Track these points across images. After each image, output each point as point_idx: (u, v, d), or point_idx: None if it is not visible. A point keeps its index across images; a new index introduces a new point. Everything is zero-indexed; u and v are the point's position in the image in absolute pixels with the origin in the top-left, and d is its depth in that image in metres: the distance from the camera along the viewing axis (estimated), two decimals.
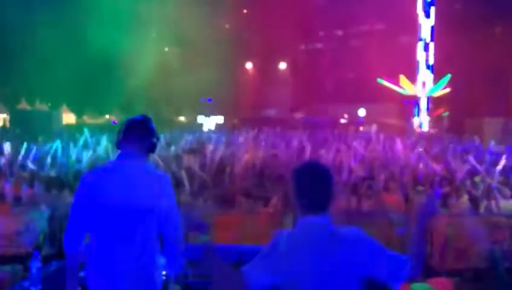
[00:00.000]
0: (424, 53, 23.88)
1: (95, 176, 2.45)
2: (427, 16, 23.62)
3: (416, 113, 24.06)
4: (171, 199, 2.44)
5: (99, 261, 2.37)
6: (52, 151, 7.89)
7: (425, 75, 23.88)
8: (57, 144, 8.17)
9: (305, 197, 2.04)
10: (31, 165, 7.05)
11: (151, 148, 2.52)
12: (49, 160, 7.38)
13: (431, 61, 23.80)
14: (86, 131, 10.48)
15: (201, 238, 2.45)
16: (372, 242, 2.06)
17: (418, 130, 22.40)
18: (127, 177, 2.38)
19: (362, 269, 2.00)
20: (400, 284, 2.04)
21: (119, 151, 2.51)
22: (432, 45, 23.77)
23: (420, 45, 23.98)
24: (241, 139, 11.24)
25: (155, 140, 2.53)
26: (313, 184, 2.04)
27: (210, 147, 9.00)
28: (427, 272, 5.31)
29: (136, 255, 2.34)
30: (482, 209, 6.12)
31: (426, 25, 23.78)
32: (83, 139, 9.49)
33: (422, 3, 23.75)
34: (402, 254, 2.08)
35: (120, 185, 2.36)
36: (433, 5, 23.58)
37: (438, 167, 7.18)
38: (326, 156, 7.82)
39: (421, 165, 7.34)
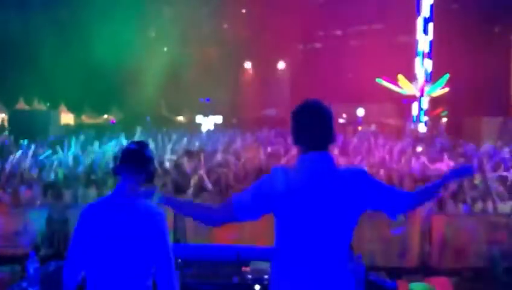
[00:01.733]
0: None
1: (92, 213, 2.44)
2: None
3: (414, 117, 24.06)
4: (165, 240, 2.40)
5: None
6: (44, 157, 7.87)
7: (423, 74, 23.90)
8: (48, 153, 8.14)
9: (305, 134, 2.04)
10: (28, 167, 7.04)
11: (149, 178, 2.53)
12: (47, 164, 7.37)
13: (430, 54, 23.78)
14: (86, 135, 10.50)
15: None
16: (373, 178, 2.08)
17: (416, 130, 22.42)
18: (121, 218, 2.36)
19: (362, 202, 2.01)
20: (398, 214, 2.07)
21: (117, 182, 2.51)
22: (430, 38, 23.72)
23: (419, 44, 24.00)
24: (240, 139, 11.23)
25: (152, 169, 2.54)
26: (313, 121, 2.04)
27: (209, 148, 9.00)
28: (426, 271, 5.32)
29: None
30: (479, 211, 6.13)
31: (425, 24, 23.80)
32: (78, 143, 9.44)
33: (421, 2, 23.74)
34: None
35: (114, 227, 2.35)
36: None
37: (435, 168, 7.18)
38: None
39: (418, 167, 7.33)
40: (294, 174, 2.05)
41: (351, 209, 2.01)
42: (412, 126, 23.14)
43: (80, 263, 2.41)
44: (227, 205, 2.10)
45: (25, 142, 8.35)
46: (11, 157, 7.06)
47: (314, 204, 1.97)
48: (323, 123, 2.05)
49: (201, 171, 6.48)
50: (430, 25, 23.84)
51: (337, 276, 1.97)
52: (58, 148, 8.32)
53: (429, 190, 2.11)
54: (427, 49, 23.99)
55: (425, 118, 24.00)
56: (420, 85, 23.87)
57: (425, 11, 23.86)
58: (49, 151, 8.33)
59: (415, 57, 24.20)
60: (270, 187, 2.04)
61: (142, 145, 2.56)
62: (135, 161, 2.48)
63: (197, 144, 10.80)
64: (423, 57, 23.93)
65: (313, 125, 2.04)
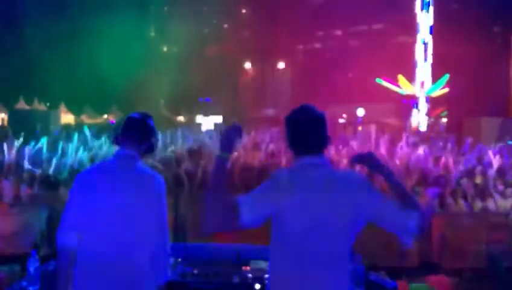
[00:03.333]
0: (423, 53, 23.89)
1: (88, 176, 2.44)
2: (425, 32, 23.66)
3: (414, 117, 24.08)
4: (162, 202, 2.39)
5: (87, 261, 2.36)
6: (38, 148, 7.84)
7: (423, 74, 23.90)
8: (43, 141, 8.10)
9: (300, 139, 2.05)
10: (27, 164, 7.03)
11: (150, 149, 2.50)
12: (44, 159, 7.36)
13: (429, 60, 23.81)
14: (86, 129, 10.47)
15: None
16: (370, 187, 2.05)
17: (416, 130, 22.43)
18: (119, 179, 2.36)
19: (361, 210, 1.99)
20: (412, 238, 2.02)
21: (116, 149, 2.49)
22: (430, 38, 23.75)
23: (419, 44, 24.00)
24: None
25: (154, 141, 2.50)
26: (307, 125, 2.05)
27: (209, 147, 8.99)
28: (426, 271, 5.32)
29: (125, 259, 2.31)
30: (478, 209, 6.13)
31: (425, 24, 23.79)
32: (77, 138, 9.44)
33: (421, 2, 23.76)
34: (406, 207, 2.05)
35: (111, 188, 2.34)
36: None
37: (435, 167, 7.19)
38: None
39: (419, 166, 7.33)
40: (293, 177, 2.04)
41: (350, 214, 1.99)
42: (412, 126, 23.16)
43: (75, 225, 2.37)
44: (233, 206, 2.08)
45: (22, 139, 8.30)
46: (12, 151, 7.06)
47: (313, 207, 1.96)
48: (317, 128, 2.06)
49: (201, 170, 6.48)
50: (430, 25, 23.85)
51: (334, 281, 1.96)
52: (59, 146, 8.32)
53: (402, 194, 2.07)
54: (427, 50, 24.00)
55: (425, 118, 24.02)
56: (420, 85, 23.88)
57: (425, 12, 23.88)
58: (44, 139, 8.30)
59: (415, 57, 24.21)
60: (272, 190, 2.03)
61: (145, 115, 2.50)
62: (137, 130, 2.43)
63: (197, 143, 10.80)
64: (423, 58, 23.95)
65: (307, 130, 2.05)
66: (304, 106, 2.17)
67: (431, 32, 23.85)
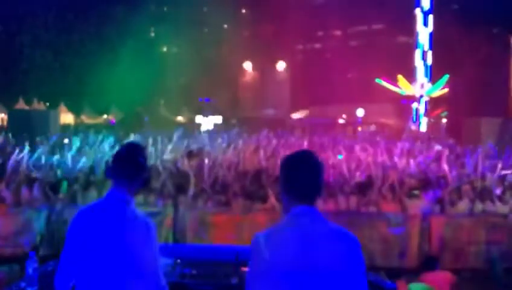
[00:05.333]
0: (422, 61, 23.89)
1: (83, 219, 2.40)
2: (425, 25, 23.62)
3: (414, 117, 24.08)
4: (153, 249, 2.36)
5: None
6: (37, 155, 7.85)
7: (423, 79, 23.93)
8: (41, 152, 8.11)
9: (296, 185, 2.01)
10: (25, 166, 7.02)
11: (141, 186, 2.44)
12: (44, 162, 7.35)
13: (429, 55, 23.78)
14: (88, 134, 10.48)
15: None
16: (361, 264, 1.99)
17: (415, 131, 22.42)
18: (109, 227, 2.32)
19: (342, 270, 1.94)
20: None
21: (109, 187, 2.43)
22: (430, 38, 23.75)
23: (418, 53, 23.99)
24: (239, 139, 11.22)
25: (145, 176, 2.42)
26: (305, 173, 2.02)
27: (208, 149, 8.99)
28: (425, 269, 5.30)
29: None
30: (478, 211, 6.12)
31: (424, 33, 23.79)
32: (78, 141, 9.42)
33: (422, 13, 23.73)
34: None
35: (103, 236, 2.31)
36: (431, 13, 23.58)
37: (434, 170, 7.17)
38: (325, 158, 7.80)
39: (417, 169, 7.31)
40: (284, 232, 1.98)
41: (339, 276, 1.94)
42: (412, 126, 23.15)
43: (71, 270, 2.37)
44: None
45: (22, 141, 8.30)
46: (13, 155, 7.05)
47: (308, 264, 1.93)
48: (314, 176, 2.04)
49: (201, 172, 6.48)
50: (430, 26, 23.86)
51: None
52: (58, 148, 8.32)
53: None
54: (426, 50, 24.01)
55: (424, 119, 24.03)
56: (419, 85, 23.90)
57: (424, 12, 23.89)
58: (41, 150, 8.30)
59: (415, 57, 24.22)
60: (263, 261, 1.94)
61: (135, 150, 2.38)
62: (127, 169, 2.32)
63: (197, 144, 10.79)
64: (423, 57, 23.96)
65: (304, 177, 2.02)
66: (303, 151, 2.15)
67: (431, 33, 23.86)
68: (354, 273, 1.94)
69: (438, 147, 8.06)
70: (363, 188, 6.19)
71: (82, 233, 2.36)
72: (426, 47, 23.97)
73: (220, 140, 11.01)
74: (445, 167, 6.82)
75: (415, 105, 24.19)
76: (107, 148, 9.09)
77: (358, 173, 6.66)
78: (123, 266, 2.31)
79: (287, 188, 2.03)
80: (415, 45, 24.22)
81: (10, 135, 10.77)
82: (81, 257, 2.34)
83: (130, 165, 2.35)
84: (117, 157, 2.40)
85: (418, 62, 24.14)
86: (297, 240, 1.93)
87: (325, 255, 1.92)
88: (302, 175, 2.01)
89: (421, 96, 24.06)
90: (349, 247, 1.96)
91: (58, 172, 6.85)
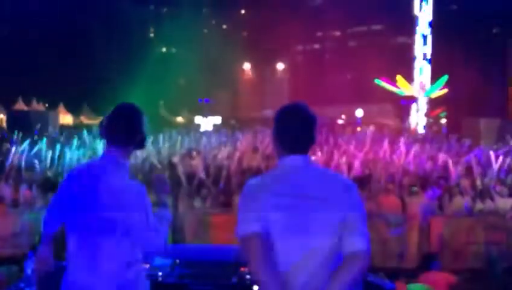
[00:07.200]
0: (422, 47, 23.84)
1: (78, 174, 2.42)
2: (425, 25, 23.65)
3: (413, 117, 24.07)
4: (145, 212, 2.34)
5: (72, 257, 2.39)
6: (36, 150, 7.85)
7: (422, 75, 23.92)
8: (43, 144, 8.10)
9: (288, 136, 2.02)
10: (26, 166, 7.03)
11: (138, 147, 2.44)
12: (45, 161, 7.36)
13: (429, 55, 23.78)
14: (84, 133, 10.49)
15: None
16: (359, 202, 2.00)
17: (415, 131, 22.45)
18: (102, 184, 2.33)
19: (341, 214, 1.94)
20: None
21: (104, 148, 2.43)
22: (429, 39, 23.73)
23: (417, 53, 23.99)
24: (238, 140, 11.24)
25: (141, 138, 2.40)
26: (297, 124, 2.02)
27: (208, 149, 9.00)
28: (425, 269, 5.30)
29: (101, 266, 2.30)
30: (477, 210, 6.13)
31: (423, 33, 23.78)
32: (76, 140, 9.43)
33: (421, 13, 23.72)
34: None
35: (94, 196, 2.32)
36: (430, 14, 23.59)
37: (434, 168, 7.19)
38: (323, 157, 7.82)
39: (417, 167, 7.34)
40: (275, 179, 1.99)
41: (335, 217, 1.94)
42: (411, 126, 23.18)
43: (59, 215, 2.43)
44: None
45: (21, 141, 8.30)
46: (12, 153, 7.05)
47: (301, 209, 1.92)
48: (307, 127, 2.04)
49: (201, 170, 6.49)
50: (430, 26, 23.88)
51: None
52: (57, 147, 8.31)
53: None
54: (425, 51, 24.03)
55: (424, 119, 24.04)
56: (419, 86, 23.91)
57: (424, 13, 23.91)
58: (43, 142, 8.30)
59: (414, 58, 24.24)
60: (255, 203, 1.95)
61: (133, 110, 2.32)
62: (125, 129, 2.27)
63: (196, 144, 10.80)
64: (422, 57, 23.98)
65: (296, 128, 2.03)
66: (295, 102, 2.15)
67: (430, 33, 23.88)
68: (353, 206, 1.95)
69: (442, 155, 8.07)
70: (362, 182, 6.18)
71: (74, 185, 2.37)
72: (426, 47, 23.99)
73: (219, 140, 11.02)
74: (452, 171, 6.81)
75: (414, 106, 24.20)
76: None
77: (356, 169, 6.68)
78: (110, 222, 2.31)
79: (279, 140, 2.05)
80: (414, 45, 24.24)
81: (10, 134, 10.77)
82: (71, 209, 2.37)
83: (126, 129, 2.29)
84: (113, 119, 2.31)
85: (418, 63, 24.16)
86: (291, 177, 1.93)
87: (320, 187, 1.92)
88: (293, 127, 2.02)
89: (420, 96, 24.09)
90: (345, 184, 1.96)
91: (58, 170, 6.85)
